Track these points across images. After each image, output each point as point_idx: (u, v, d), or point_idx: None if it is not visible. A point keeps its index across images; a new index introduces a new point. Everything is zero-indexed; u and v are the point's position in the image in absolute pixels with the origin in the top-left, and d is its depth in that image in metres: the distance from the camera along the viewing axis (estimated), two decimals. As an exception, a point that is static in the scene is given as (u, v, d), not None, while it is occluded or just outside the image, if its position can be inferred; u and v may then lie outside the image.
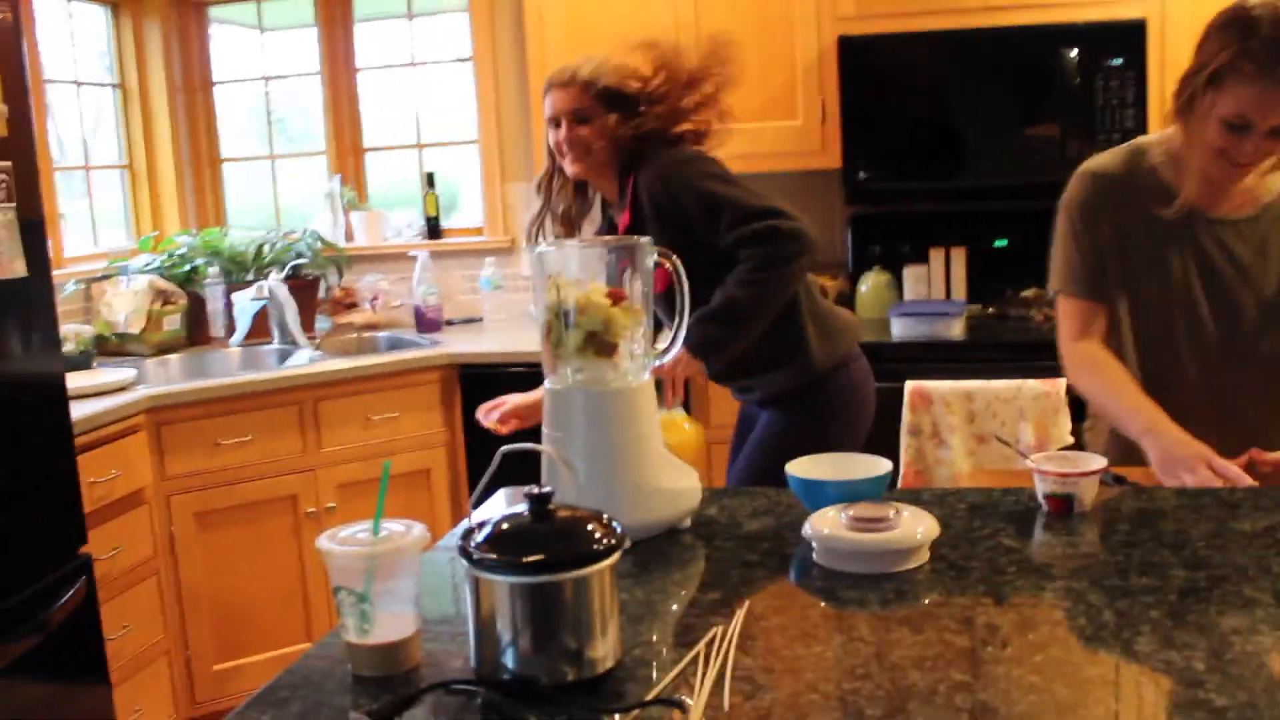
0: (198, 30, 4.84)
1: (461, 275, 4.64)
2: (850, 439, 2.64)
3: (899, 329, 3.64)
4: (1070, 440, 3.19)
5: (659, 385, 2.14)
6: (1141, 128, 3.56)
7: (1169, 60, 3.59)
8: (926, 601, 1.41)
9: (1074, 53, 3.57)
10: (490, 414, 2.61)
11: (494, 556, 1.19)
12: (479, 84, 4.55)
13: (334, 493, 3.64)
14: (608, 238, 1.66)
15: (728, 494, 1.90)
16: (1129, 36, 3.58)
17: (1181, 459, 1.94)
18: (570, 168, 2.69)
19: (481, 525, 1.24)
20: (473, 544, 1.21)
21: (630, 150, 2.65)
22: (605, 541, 1.22)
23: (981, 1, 3.66)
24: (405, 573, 1.30)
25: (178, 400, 3.40)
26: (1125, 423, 2.12)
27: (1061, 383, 3.25)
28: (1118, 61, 3.58)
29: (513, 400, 2.60)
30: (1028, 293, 3.86)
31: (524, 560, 1.18)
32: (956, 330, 3.60)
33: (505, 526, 1.24)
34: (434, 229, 4.69)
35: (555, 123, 2.70)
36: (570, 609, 1.19)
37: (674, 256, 1.70)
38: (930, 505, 1.74)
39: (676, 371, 2.46)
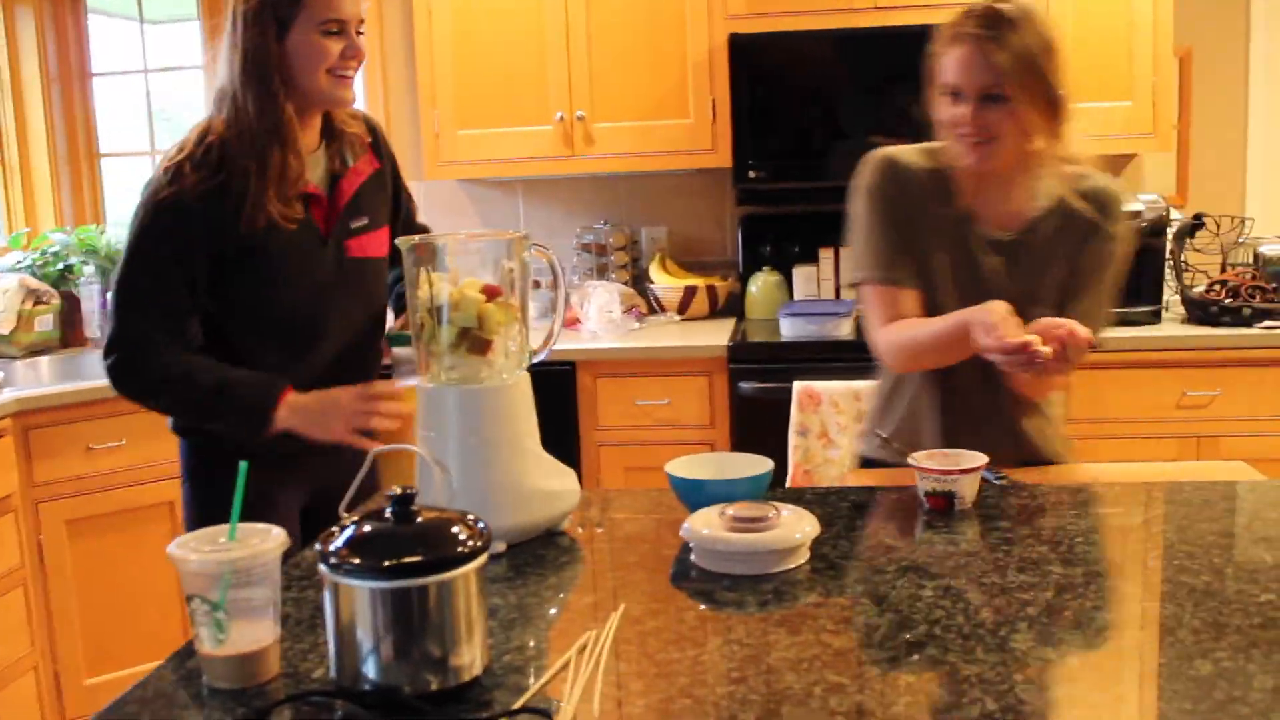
0: (74, 20, 4.67)
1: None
2: None
3: (788, 329, 3.63)
4: (957, 439, 3.21)
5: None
6: (1026, 129, 3.60)
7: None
8: (806, 602, 1.39)
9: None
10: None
11: (352, 561, 1.14)
12: (367, 78, 4.46)
13: (214, 498, 3.53)
14: (484, 232, 1.60)
15: (608, 494, 1.86)
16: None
17: (982, 322, 1.88)
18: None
19: (342, 529, 1.19)
20: (331, 548, 1.16)
21: None
22: (471, 544, 1.17)
23: (871, 1, 3.67)
24: (263, 580, 1.24)
25: (46, 404, 3.26)
26: (944, 331, 2.01)
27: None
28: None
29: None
30: (917, 293, 3.88)
31: (383, 565, 1.13)
32: (845, 330, 3.60)
33: (366, 529, 1.19)
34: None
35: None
36: (433, 615, 1.14)
37: (549, 251, 1.66)
38: (812, 504, 1.72)
39: None
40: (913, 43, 3.67)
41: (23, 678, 3.20)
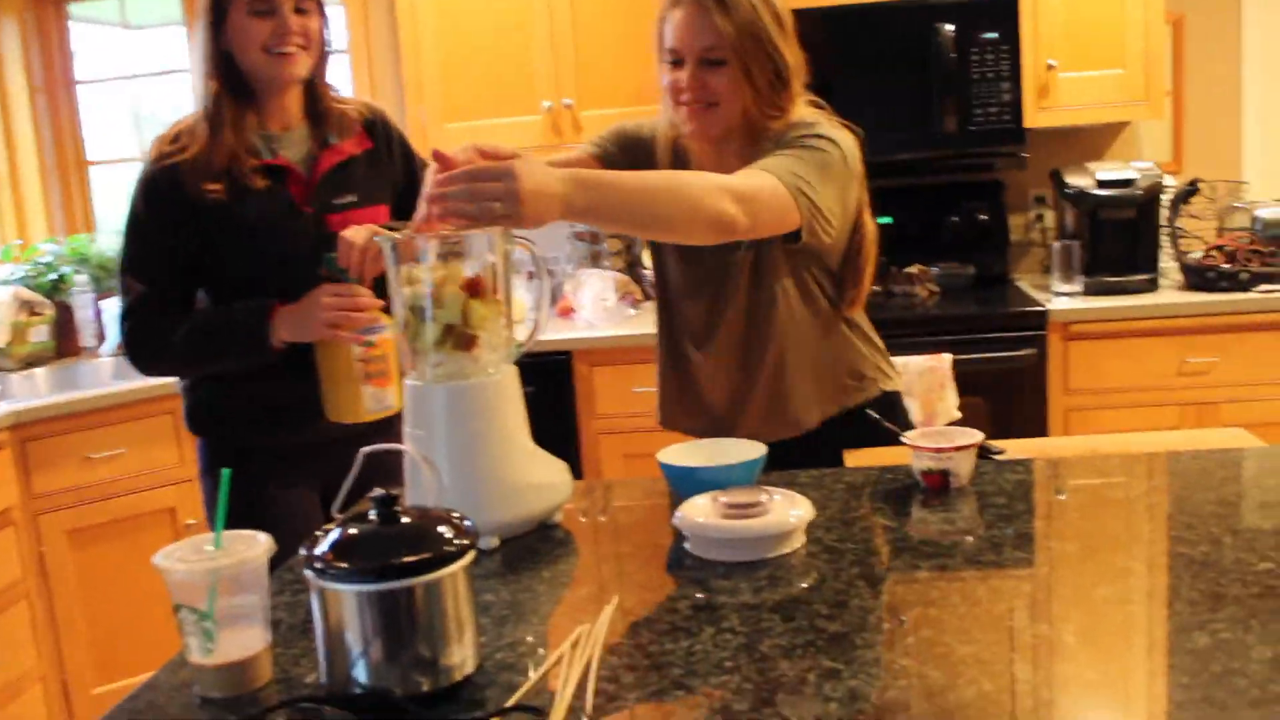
0: (57, 27, 4.66)
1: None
2: None
3: (785, 310, 3.61)
4: (958, 415, 3.20)
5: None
6: (1016, 100, 3.59)
7: (1041, 34, 3.61)
8: (801, 587, 1.37)
9: (949, 27, 3.57)
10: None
11: (338, 565, 1.13)
12: (354, 76, 4.44)
13: (215, 502, 3.52)
14: (460, 229, 1.58)
15: (601, 485, 1.84)
16: (1002, 11, 3.59)
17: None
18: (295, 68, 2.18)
19: (327, 532, 1.18)
20: (316, 552, 1.15)
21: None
22: (457, 543, 1.16)
23: (857, -21, 3.65)
24: (251, 587, 1.23)
25: (43, 414, 3.25)
26: None
27: (948, 358, 3.27)
28: (992, 35, 3.60)
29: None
30: (911, 269, 3.86)
31: (369, 567, 1.12)
32: (842, 309, 3.58)
33: (351, 532, 1.17)
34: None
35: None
36: (422, 615, 1.13)
37: (532, 241, 1.64)
38: (806, 488, 1.71)
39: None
40: (899, 18, 3.67)
41: (31, 690, 3.20)
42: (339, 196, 2.21)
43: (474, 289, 1.56)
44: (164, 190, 2.14)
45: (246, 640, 1.22)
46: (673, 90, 1.98)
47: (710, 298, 2.07)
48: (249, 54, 2.12)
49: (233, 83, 2.14)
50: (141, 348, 2.20)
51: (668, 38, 1.97)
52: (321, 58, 2.22)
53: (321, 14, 2.19)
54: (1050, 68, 3.63)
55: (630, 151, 2.11)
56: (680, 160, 2.09)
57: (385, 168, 2.32)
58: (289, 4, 2.12)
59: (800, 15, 3.77)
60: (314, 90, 2.24)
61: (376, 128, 2.32)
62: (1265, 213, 3.62)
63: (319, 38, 2.19)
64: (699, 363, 2.11)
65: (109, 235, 4.50)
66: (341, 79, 4.50)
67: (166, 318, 2.18)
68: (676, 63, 1.96)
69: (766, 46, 1.94)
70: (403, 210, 2.25)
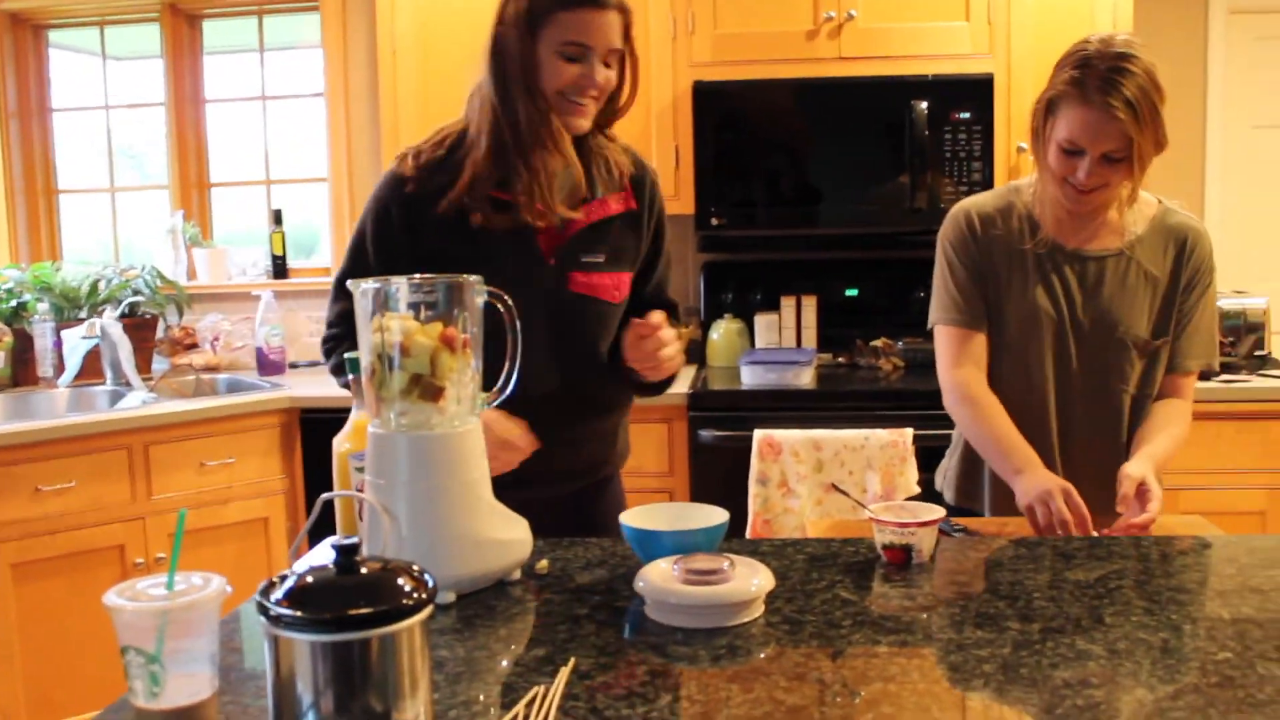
0: (35, 54, 4.64)
1: (307, 317, 4.49)
2: None
3: (749, 377, 3.62)
4: (917, 490, 3.20)
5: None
6: (988, 180, 3.63)
7: (1015, 114, 3.67)
8: (759, 657, 1.36)
9: (924, 105, 3.62)
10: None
11: (292, 613, 1.10)
12: (330, 120, 4.44)
13: (165, 542, 3.47)
14: (432, 275, 1.56)
15: (561, 544, 1.83)
16: (977, 91, 3.65)
17: (1042, 488, 1.97)
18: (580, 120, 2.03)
19: (283, 579, 1.15)
20: (271, 599, 1.12)
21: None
22: (415, 596, 1.14)
23: (835, 51, 3.70)
24: (202, 630, 1.20)
25: (-6, 442, 3.20)
26: (998, 463, 2.14)
27: (909, 433, 3.28)
28: (966, 115, 3.65)
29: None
30: (877, 342, 3.89)
31: (324, 616, 1.10)
32: (806, 379, 3.60)
33: (308, 580, 1.15)
34: (280, 268, 4.54)
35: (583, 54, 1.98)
36: (375, 669, 1.11)
37: (505, 297, 1.63)
38: (768, 556, 1.70)
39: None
40: (875, 93, 3.72)
41: (-39, 725, 3.12)
42: (589, 254, 2.06)
43: (449, 341, 1.55)
44: (392, 192, 2.02)
45: (194, 685, 1.19)
46: (1061, 172, 2.07)
47: None
48: (544, 93, 1.97)
49: (515, 114, 1.97)
50: (328, 361, 2.09)
51: (1069, 128, 2.03)
52: (617, 109, 2.07)
53: (625, 65, 2.03)
54: (1021, 150, 3.68)
55: (980, 272, 2.23)
56: (1032, 226, 2.20)
57: (642, 235, 2.15)
58: (601, 54, 1.96)
59: (777, 86, 3.83)
60: (592, 137, 2.08)
61: (644, 190, 2.15)
62: (1225, 304, 3.66)
63: (611, 90, 2.03)
64: None
65: (74, 265, 4.46)
66: (318, 122, 4.50)
67: (337, 344, 2.06)
68: (1074, 153, 2.04)
69: (1160, 135, 2.02)
70: (639, 278, 2.16)
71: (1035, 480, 2.00)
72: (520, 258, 2.02)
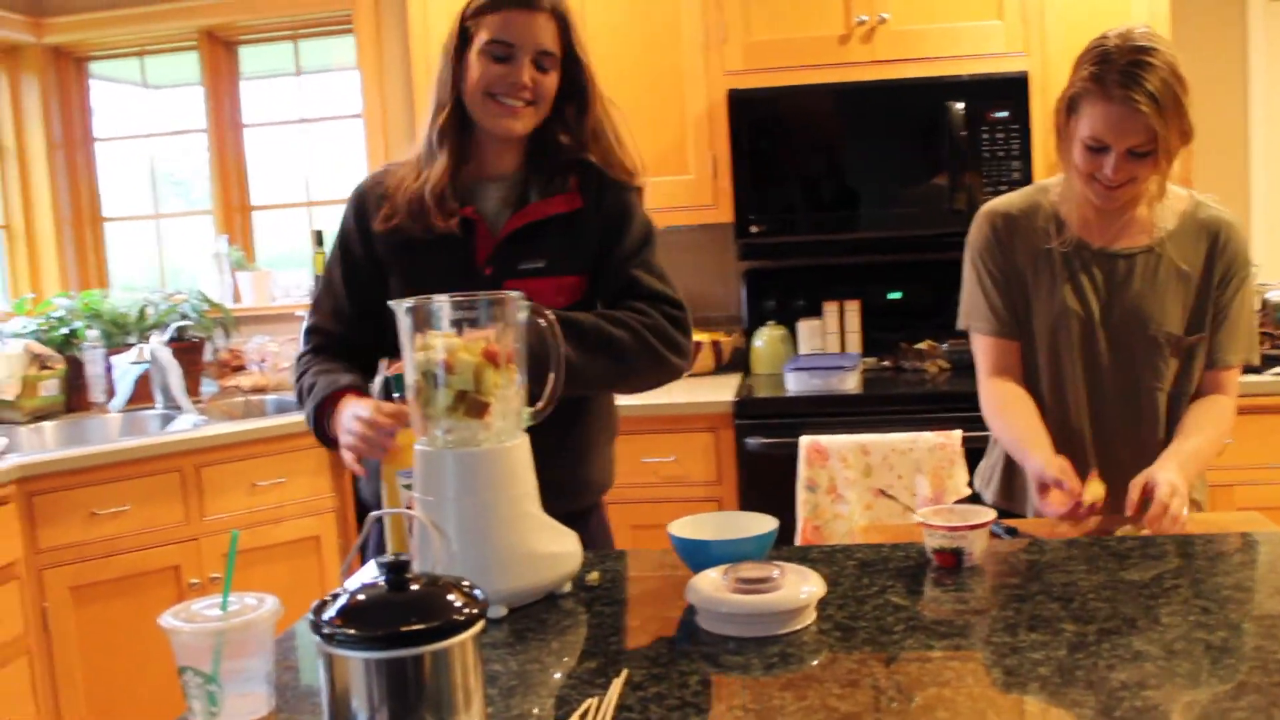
0: (78, 86, 4.72)
1: (353, 335, 4.52)
2: None
3: (793, 383, 3.61)
4: (967, 491, 3.18)
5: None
6: (1026, 178, 3.60)
7: (1050, 112, 3.63)
8: (812, 664, 1.35)
9: (960, 106, 3.61)
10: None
11: (345, 631, 1.11)
12: (368, 141, 4.48)
13: (219, 562, 3.50)
14: (479, 293, 1.57)
15: (611, 556, 1.83)
16: (1013, 89, 3.63)
17: (1038, 478, 2.01)
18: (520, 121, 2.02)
19: (335, 597, 1.16)
20: (324, 618, 1.13)
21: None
22: (466, 611, 1.14)
23: (868, 55, 3.69)
24: (257, 650, 1.21)
25: (50, 469, 3.25)
26: (1015, 450, 2.16)
27: (957, 434, 3.26)
28: (1003, 114, 3.62)
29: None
30: (922, 345, 3.86)
31: (377, 634, 1.11)
32: (851, 384, 3.58)
33: (360, 598, 1.16)
34: (324, 289, 4.57)
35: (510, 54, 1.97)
36: (429, 684, 1.12)
37: (548, 312, 1.64)
38: (818, 563, 1.69)
39: None
40: (911, 95, 3.71)
41: (25, 748, 3.16)
42: (526, 260, 2.02)
43: (491, 357, 1.55)
44: (353, 207, 2.11)
45: (251, 704, 1.20)
46: (1088, 170, 2.06)
47: None
48: (473, 97, 1.98)
49: (457, 120, 2.01)
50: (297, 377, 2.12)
51: (1091, 125, 2.01)
52: (570, 116, 2.05)
53: (570, 69, 2.01)
54: (1062, 147, 3.65)
55: (1009, 275, 2.24)
56: (1059, 226, 2.19)
57: (590, 236, 2.06)
58: (529, 55, 1.96)
59: (811, 91, 3.82)
60: (545, 142, 2.07)
61: (591, 186, 2.07)
62: (1276, 295, 3.62)
63: (551, 95, 2.01)
64: None
65: (122, 291, 4.52)
66: (355, 147, 4.54)
67: (308, 355, 2.11)
68: (1099, 149, 2.02)
69: (1186, 126, 2.01)
70: (598, 278, 2.08)
71: (1035, 465, 2.05)
72: (453, 269, 2.00)
